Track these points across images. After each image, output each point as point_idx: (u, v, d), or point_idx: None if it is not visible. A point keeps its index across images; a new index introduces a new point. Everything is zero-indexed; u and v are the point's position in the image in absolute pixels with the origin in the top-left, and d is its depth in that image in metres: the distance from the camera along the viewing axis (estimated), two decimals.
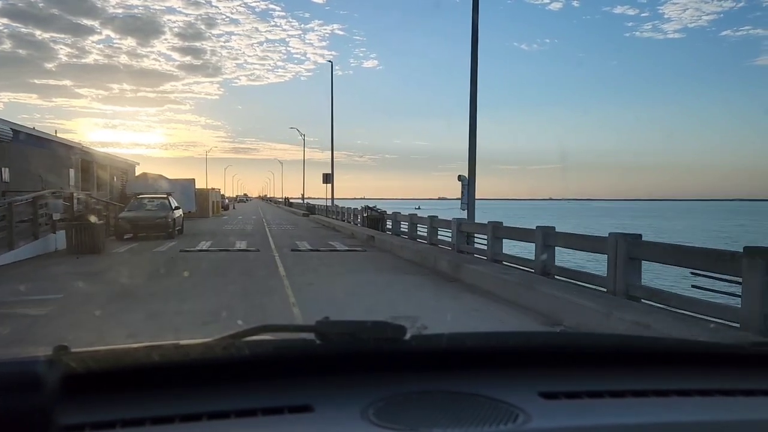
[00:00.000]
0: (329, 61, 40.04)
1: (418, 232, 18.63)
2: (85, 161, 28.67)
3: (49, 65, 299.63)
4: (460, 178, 15.70)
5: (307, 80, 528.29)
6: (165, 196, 21.82)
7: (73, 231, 14.70)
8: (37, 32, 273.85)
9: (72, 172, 25.62)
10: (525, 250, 15.33)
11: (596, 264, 17.06)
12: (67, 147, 25.80)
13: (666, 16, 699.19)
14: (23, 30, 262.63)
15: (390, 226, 22.32)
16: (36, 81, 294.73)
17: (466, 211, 15.57)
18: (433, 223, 17.19)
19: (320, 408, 0.94)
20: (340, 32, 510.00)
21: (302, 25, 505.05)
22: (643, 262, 8.05)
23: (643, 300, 7.69)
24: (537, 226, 10.89)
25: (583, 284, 9.00)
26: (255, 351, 1.01)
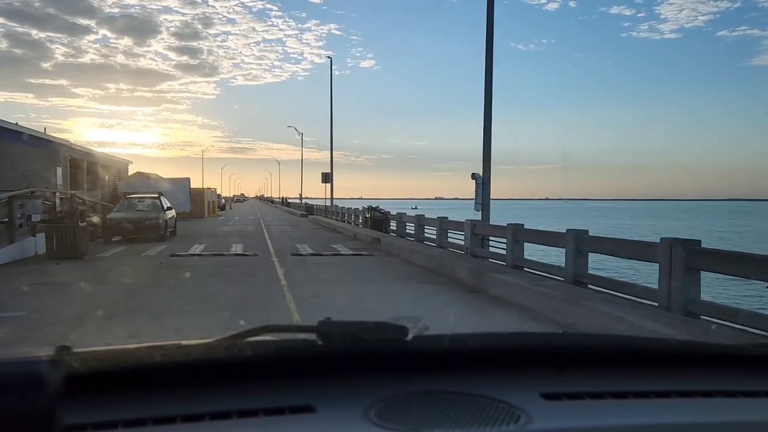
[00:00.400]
0: (329, 57, 38.90)
1: (426, 234, 17.56)
2: (74, 159, 27.45)
3: (46, 65, 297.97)
4: (474, 176, 14.52)
5: (304, 80, 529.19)
6: (156, 195, 20.57)
7: (54, 234, 13.48)
8: (34, 32, 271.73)
9: (59, 170, 24.37)
10: (547, 254, 14.30)
11: (616, 267, 16.04)
12: (55, 144, 24.53)
13: (662, 17, 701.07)
14: (19, 29, 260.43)
15: (394, 228, 21.19)
16: (32, 80, 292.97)
17: (480, 212, 14.41)
18: (443, 224, 16.03)
19: (322, 408, 0.93)
20: (337, 32, 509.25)
21: (299, 25, 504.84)
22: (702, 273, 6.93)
23: (702, 317, 6.59)
24: (568, 230, 9.74)
25: (623, 296, 7.90)
26: (257, 351, 1.00)
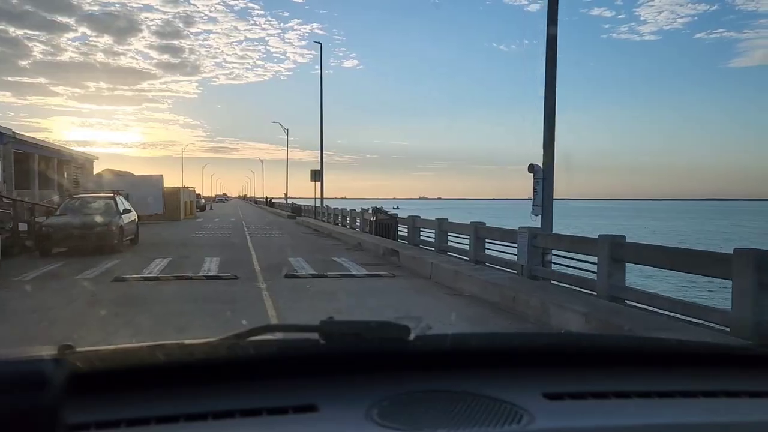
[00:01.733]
0: (318, 43, 35.08)
1: (450, 244, 13.87)
2: (21, 153, 23.31)
3: (24, 62, 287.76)
4: (531, 168, 10.75)
5: (287, 79, 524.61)
6: (111, 195, 16.49)
7: None
8: (11, 29, 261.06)
9: None
10: (644, 276, 10.65)
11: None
12: None
13: (642, 18, 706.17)
14: None
15: (405, 234, 17.39)
16: (10, 78, 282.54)
17: (539, 216, 10.67)
18: (480, 231, 12.25)
19: (324, 408, 0.91)
20: (320, 31, 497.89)
21: (282, 24, 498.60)
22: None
23: None
24: (737, 249, 6.03)
25: None
26: (260, 350, 1.00)
